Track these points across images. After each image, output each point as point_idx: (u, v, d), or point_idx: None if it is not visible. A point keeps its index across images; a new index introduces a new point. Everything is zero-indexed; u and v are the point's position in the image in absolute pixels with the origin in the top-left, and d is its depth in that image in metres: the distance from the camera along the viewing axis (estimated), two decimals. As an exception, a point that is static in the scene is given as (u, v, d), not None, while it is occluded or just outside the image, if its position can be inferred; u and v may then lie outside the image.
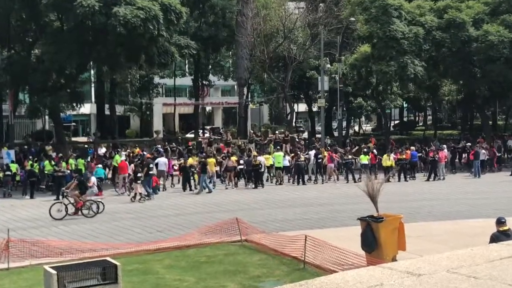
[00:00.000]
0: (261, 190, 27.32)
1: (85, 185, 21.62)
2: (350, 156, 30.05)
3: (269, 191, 27.01)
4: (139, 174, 24.50)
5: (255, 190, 27.25)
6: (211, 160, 28.34)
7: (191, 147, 37.66)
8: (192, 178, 27.70)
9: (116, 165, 28.37)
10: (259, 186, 28.03)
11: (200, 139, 40.74)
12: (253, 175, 27.91)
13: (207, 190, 26.10)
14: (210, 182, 28.08)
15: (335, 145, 37.24)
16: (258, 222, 18.82)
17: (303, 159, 29.36)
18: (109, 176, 29.69)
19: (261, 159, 28.67)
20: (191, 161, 28.06)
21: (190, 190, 26.91)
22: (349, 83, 44.00)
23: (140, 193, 24.40)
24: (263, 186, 28.31)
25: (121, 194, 26.03)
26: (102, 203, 21.20)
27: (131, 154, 31.87)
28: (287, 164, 29.83)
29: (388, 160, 29.21)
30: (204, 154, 31.94)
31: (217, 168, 29.06)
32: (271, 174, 30.20)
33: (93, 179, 23.47)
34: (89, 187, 22.15)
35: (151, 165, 25.13)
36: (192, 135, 52.79)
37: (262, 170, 28.37)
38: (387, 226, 12.68)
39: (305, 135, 54.34)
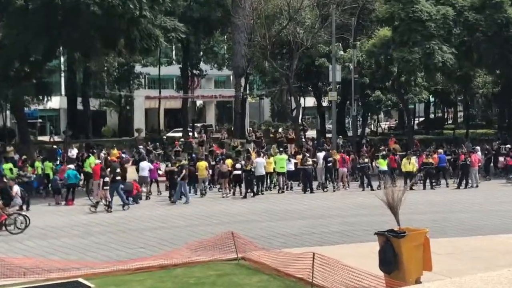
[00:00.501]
0: (261, 199, 27.34)
1: (9, 195, 21.31)
2: (366, 160, 30.06)
3: (271, 200, 27.04)
4: (106, 179, 24.52)
5: (254, 199, 27.26)
6: (202, 164, 28.34)
7: (178, 149, 37.71)
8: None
9: (90, 170, 28.36)
10: (259, 194, 28.05)
11: (190, 139, 40.72)
12: (244, 182, 27.83)
13: (183, 199, 25.99)
14: (195, 191, 28.09)
15: (349, 146, 37.25)
16: (258, 237, 18.82)
17: (311, 163, 29.34)
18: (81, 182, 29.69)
19: (260, 160, 28.65)
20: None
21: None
22: (366, 73, 44.03)
23: (97, 202, 24.44)
24: (262, 193, 28.34)
25: (96, 204, 25.99)
26: (28, 217, 21.02)
27: (107, 157, 31.90)
28: (292, 168, 29.81)
29: (408, 164, 29.16)
30: (194, 156, 31.92)
31: (209, 172, 29.04)
32: (273, 180, 30.20)
33: (16, 188, 23.27)
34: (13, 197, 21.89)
35: (117, 170, 25.13)
36: (179, 134, 52.82)
37: (262, 174, 28.36)
38: (410, 242, 12.68)
39: (313, 134, 54.41)
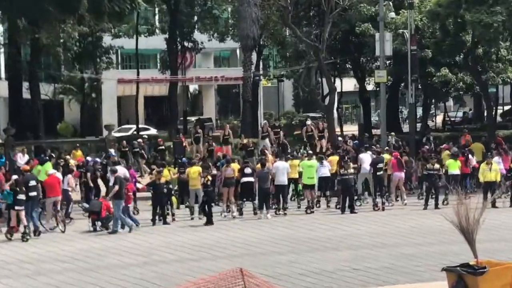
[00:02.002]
0: (282, 222, 27.35)
1: None
2: (437, 165, 29.80)
3: (295, 223, 27.02)
4: (19, 196, 24.83)
5: (271, 222, 27.29)
6: (194, 170, 28.35)
7: (163, 148, 37.79)
8: (168, 202, 27.84)
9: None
10: (278, 214, 28.13)
11: (181, 138, 40.73)
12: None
13: (119, 227, 25.88)
14: (191, 209, 28.24)
15: (404, 146, 37.12)
16: (277, 276, 18.82)
17: (352, 171, 29.29)
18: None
19: (281, 165, 28.61)
20: (166, 174, 28.10)
21: (164, 222, 27.00)
22: (428, 43, 43.88)
23: (54, 227, 24.78)
24: (284, 211, 28.44)
25: (50, 230, 26.14)
26: None
27: (67, 162, 31.93)
28: (327, 174, 29.65)
29: (489, 171, 29.03)
30: (184, 160, 32.00)
31: (203, 181, 29.12)
32: (298, 193, 30.27)
33: None
34: None
35: (31, 183, 25.35)
36: (161, 132, 52.86)
37: (283, 183, 28.43)
38: (492, 281, 12.63)
39: (353, 130, 54.31)
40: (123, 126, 58.65)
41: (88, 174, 29.97)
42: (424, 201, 29.36)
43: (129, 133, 53.82)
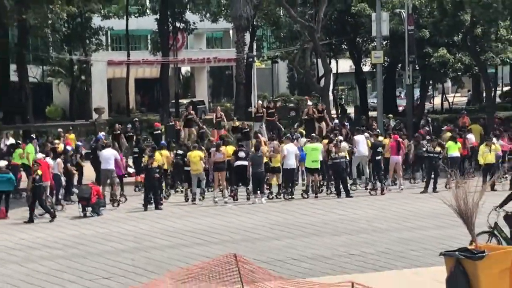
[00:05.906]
0: (277, 207, 27.39)
1: None
2: (438, 148, 29.78)
3: (291, 208, 27.08)
4: None
5: (267, 207, 27.32)
6: (195, 154, 28.31)
7: (159, 132, 37.72)
8: (162, 186, 27.87)
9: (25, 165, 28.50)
10: (287, 198, 28.18)
11: (173, 121, 40.64)
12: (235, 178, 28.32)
13: None
14: (194, 195, 28.29)
15: (401, 129, 37.13)
16: (272, 261, 18.89)
17: (344, 154, 29.26)
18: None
19: (291, 148, 28.56)
20: (159, 157, 28.10)
21: (157, 207, 26.98)
22: (425, 23, 43.77)
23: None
24: (292, 195, 28.45)
25: (40, 216, 26.12)
26: None
27: (56, 146, 31.82)
28: (320, 158, 29.62)
29: (488, 153, 29.09)
30: (162, 143, 32.02)
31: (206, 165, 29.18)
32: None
33: None
34: None
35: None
36: (154, 115, 52.71)
37: (293, 166, 28.41)
38: (491, 266, 12.64)
39: (349, 112, 54.25)
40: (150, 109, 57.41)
41: (68, 165, 29.35)
42: (425, 184, 29.42)
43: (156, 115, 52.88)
